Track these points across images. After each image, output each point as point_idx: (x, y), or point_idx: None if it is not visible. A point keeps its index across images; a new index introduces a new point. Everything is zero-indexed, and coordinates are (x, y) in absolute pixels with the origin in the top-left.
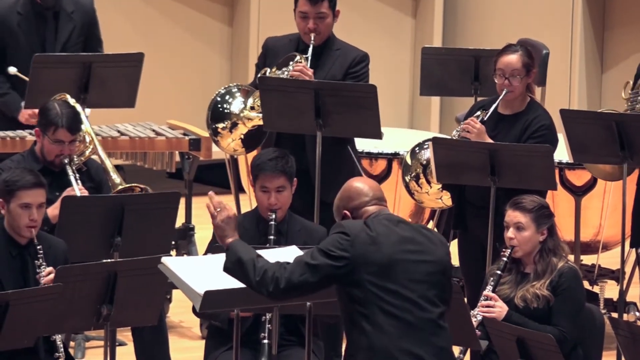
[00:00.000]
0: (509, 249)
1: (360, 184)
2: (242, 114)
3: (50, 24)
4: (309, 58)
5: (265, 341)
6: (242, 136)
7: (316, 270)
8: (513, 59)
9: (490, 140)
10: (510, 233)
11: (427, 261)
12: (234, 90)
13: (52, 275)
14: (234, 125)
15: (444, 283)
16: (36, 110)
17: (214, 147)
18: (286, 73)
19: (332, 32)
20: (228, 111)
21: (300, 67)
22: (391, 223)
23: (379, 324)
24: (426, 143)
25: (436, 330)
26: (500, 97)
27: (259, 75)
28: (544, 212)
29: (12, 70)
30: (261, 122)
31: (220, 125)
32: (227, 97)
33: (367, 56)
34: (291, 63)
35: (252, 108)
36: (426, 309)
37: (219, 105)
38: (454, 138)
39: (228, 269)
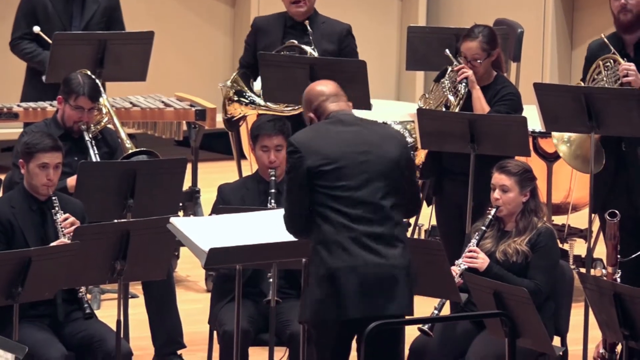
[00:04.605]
0: (494, 208)
1: (316, 86)
2: (262, 104)
3: (78, 3)
4: (311, 38)
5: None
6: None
7: (291, 192)
8: (472, 45)
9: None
10: (496, 194)
11: (374, 159)
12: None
13: (71, 219)
14: (251, 103)
15: (397, 176)
16: None
17: (218, 117)
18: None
19: (315, 8)
20: (251, 99)
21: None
22: (341, 124)
23: (329, 220)
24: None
25: (383, 219)
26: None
27: (259, 52)
28: (527, 175)
29: (36, 29)
30: (265, 112)
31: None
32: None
33: (351, 28)
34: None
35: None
36: (375, 203)
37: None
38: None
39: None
